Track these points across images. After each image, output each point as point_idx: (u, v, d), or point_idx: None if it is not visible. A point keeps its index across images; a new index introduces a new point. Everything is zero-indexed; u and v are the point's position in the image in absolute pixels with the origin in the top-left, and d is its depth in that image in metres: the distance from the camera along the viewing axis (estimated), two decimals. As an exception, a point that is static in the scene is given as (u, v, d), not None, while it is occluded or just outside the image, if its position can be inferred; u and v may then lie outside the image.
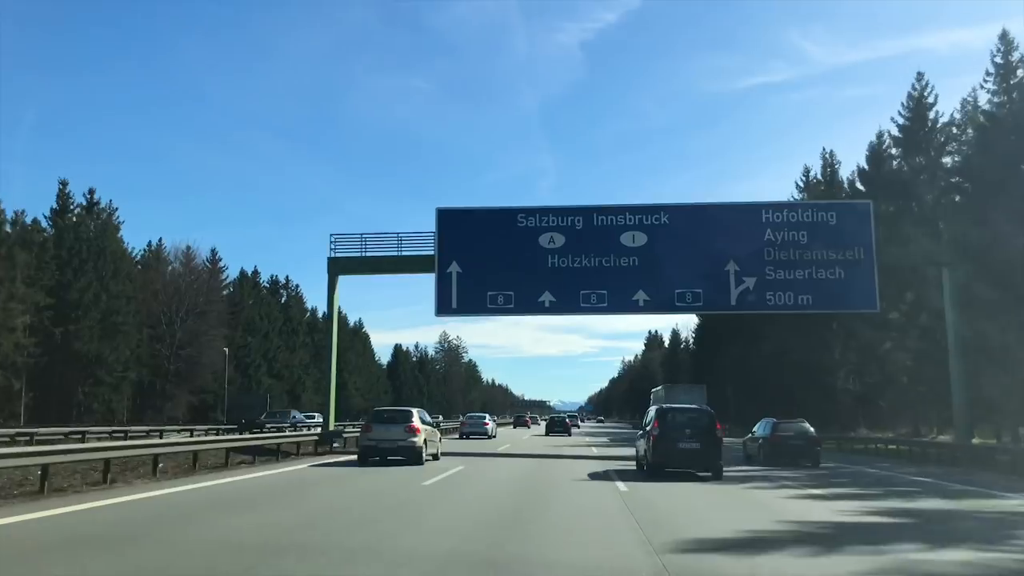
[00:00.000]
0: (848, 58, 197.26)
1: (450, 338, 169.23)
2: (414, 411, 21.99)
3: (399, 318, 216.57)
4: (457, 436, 44.38)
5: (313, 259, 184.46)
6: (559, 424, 59.27)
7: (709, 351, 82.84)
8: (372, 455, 20.49)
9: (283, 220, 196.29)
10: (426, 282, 28.61)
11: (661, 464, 17.75)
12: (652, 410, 19.93)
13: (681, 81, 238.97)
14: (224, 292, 75.23)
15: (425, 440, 20.86)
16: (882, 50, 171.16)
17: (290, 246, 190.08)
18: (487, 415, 54.41)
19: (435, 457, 22.24)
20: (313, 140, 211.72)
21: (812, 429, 24.23)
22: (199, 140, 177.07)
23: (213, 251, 73.96)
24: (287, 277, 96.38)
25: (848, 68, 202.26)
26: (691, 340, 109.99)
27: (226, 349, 60.86)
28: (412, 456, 20.28)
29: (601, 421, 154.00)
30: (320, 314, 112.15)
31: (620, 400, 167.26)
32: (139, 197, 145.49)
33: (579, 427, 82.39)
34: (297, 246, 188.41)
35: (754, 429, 26.05)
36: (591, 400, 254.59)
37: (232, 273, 78.95)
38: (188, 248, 68.40)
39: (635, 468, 19.77)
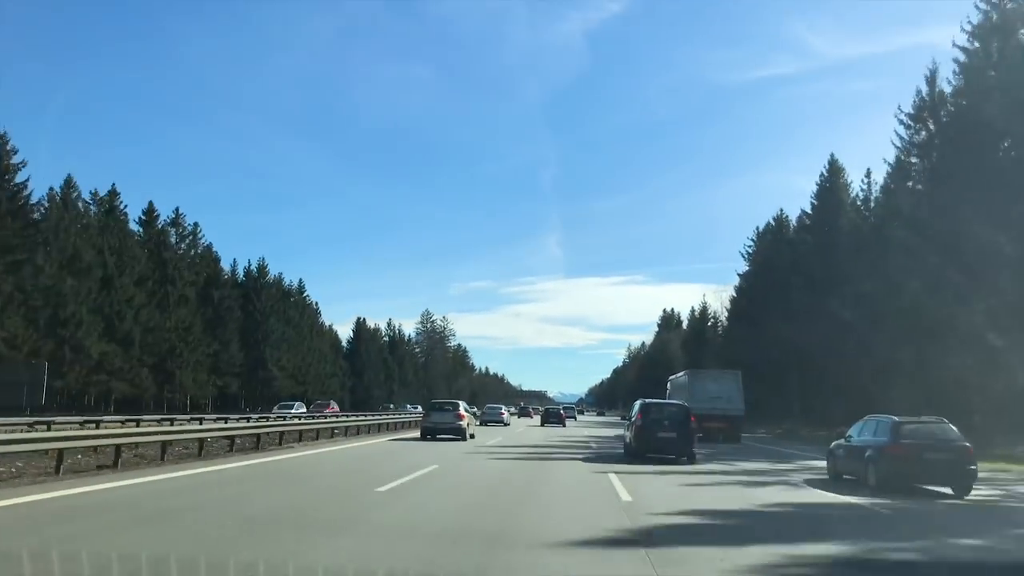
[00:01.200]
0: (855, 51, 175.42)
1: (433, 318, 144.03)
2: (460, 403, 32.21)
3: (391, 310, 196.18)
4: (478, 423, 45.94)
5: (310, 245, 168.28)
6: (553, 415, 59.35)
7: (754, 324, 59.44)
8: (430, 433, 29.77)
9: (281, 206, 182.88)
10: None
11: (643, 450, 21.43)
12: (636, 404, 23.44)
13: (685, 73, 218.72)
14: (22, 206, 49.26)
15: (467, 423, 30.45)
16: (889, 43, 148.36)
17: (289, 232, 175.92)
18: (503, 406, 61.79)
19: (472, 436, 30.57)
20: (312, 127, 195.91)
21: (959, 434, 15.14)
22: (196, 126, 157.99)
23: (1, 136, 47.57)
24: (177, 209, 70.33)
25: (855, 61, 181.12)
26: (722, 315, 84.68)
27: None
28: (459, 434, 29.37)
29: (601, 414, 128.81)
30: (241, 269, 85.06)
31: (625, 391, 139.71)
32: (135, 183, 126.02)
33: (575, 419, 76.64)
34: (294, 232, 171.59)
35: (849, 434, 16.94)
36: (592, 392, 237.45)
37: (47, 181, 53.08)
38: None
39: (622, 452, 23.48)
